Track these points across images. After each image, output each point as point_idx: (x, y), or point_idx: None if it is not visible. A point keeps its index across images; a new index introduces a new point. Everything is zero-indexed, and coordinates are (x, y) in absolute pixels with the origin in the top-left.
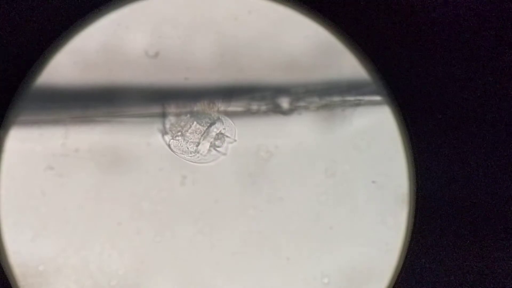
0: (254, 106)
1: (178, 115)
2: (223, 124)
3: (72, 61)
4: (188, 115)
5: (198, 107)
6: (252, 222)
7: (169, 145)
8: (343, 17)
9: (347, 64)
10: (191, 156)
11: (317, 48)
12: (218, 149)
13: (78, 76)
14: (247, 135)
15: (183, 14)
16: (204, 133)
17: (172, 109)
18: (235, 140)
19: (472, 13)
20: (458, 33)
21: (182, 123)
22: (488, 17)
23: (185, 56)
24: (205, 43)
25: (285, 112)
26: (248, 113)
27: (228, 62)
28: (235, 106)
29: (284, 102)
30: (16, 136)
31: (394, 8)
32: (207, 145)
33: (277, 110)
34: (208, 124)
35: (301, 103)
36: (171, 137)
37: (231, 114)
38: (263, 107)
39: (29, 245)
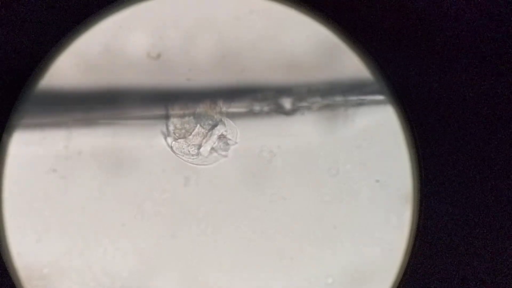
0: (256, 107)
1: (180, 117)
2: (225, 126)
3: (74, 64)
4: (191, 117)
5: (200, 108)
6: (256, 223)
7: (171, 147)
8: (345, 17)
9: (350, 64)
10: (193, 159)
11: (319, 48)
12: (220, 151)
13: (80, 79)
14: (249, 136)
15: (184, 15)
16: (206, 135)
17: (174, 111)
18: (237, 142)
19: (476, 12)
20: (462, 32)
21: (185, 125)
22: (492, 16)
23: (187, 57)
24: (206, 44)
25: (287, 112)
26: (250, 114)
27: (230, 62)
28: (237, 107)
29: (287, 102)
30: (19, 139)
31: (396, 7)
32: (209, 147)
33: (279, 110)
34: (210, 126)
35: (304, 103)
36: (173, 139)
37: (233, 115)
38: (265, 108)
39: (33, 248)
